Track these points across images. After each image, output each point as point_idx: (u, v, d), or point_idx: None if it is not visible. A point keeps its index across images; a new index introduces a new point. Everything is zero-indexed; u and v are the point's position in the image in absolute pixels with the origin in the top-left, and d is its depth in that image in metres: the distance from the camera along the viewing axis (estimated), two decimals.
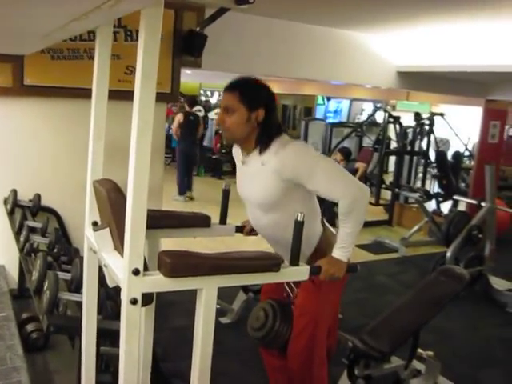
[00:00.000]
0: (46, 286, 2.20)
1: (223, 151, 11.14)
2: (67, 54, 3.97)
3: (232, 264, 1.62)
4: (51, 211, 3.94)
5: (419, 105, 11.55)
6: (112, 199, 1.60)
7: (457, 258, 5.25)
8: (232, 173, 11.02)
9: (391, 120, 7.96)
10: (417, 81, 6.00)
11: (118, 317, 2.23)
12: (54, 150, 4.08)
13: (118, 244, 1.62)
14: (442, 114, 8.23)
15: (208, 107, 12.16)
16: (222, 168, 11.06)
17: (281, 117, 13.80)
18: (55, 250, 2.99)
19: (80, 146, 4.10)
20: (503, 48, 4.81)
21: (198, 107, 10.06)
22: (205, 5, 3.86)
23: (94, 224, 1.94)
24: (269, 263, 1.69)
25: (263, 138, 2.09)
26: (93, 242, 1.89)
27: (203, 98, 13.63)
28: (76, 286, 2.39)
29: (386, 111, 7.90)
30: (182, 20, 4.29)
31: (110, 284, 1.73)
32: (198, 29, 4.19)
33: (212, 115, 11.21)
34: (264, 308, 2.28)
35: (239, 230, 2.44)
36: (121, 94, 4.22)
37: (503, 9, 3.87)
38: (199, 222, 2.21)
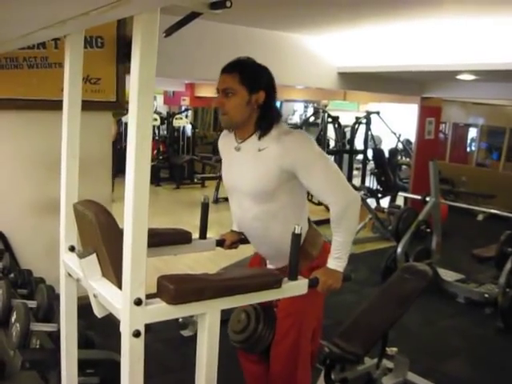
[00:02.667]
0: (14, 317, 2.01)
1: (160, 157, 10.90)
2: (4, 64, 3.72)
3: (235, 284, 1.53)
4: None
5: (349, 104, 11.84)
6: (102, 223, 1.47)
7: (406, 253, 5.39)
8: (169, 179, 10.83)
9: (330, 120, 8.08)
10: (357, 81, 6.12)
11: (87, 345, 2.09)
12: None
13: (110, 271, 1.50)
14: (377, 113, 8.46)
15: None
16: (160, 175, 10.82)
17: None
18: (12, 275, 2.76)
19: (24, 162, 3.90)
20: (437, 47, 4.98)
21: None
22: (174, 9, 3.73)
23: (72, 249, 1.79)
24: (270, 280, 1.61)
25: (263, 123, 2.01)
26: (72, 268, 1.75)
27: None
28: (44, 314, 2.21)
29: (325, 112, 8.01)
30: (126, 25, 4.12)
31: (99, 314, 1.60)
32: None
33: None
34: (246, 310, 2.19)
35: (219, 244, 2.34)
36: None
37: (436, 10, 4.00)
38: (180, 238, 2.09)
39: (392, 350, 3.42)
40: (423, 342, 4.10)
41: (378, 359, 3.24)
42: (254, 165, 2.02)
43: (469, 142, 11.01)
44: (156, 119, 10.41)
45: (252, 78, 1.98)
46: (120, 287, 1.48)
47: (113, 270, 1.48)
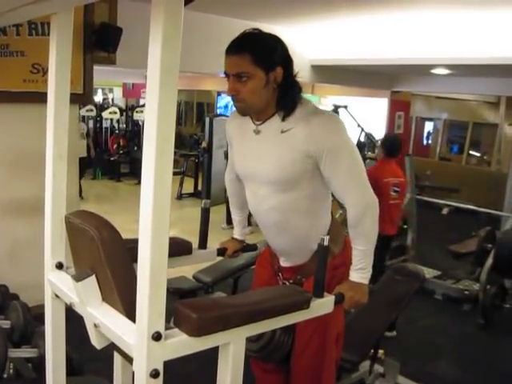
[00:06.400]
0: None
1: (120, 152, 10.51)
2: None
3: (263, 309, 1.32)
4: None
5: (310, 97, 11.76)
6: (105, 240, 1.23)
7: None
8: (129, 174, 10.45)
9: None
10: (329, 74, 6.03)
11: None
12: None
13: (114, 296, 1.26)
14: (345, 107, 8.35)
15: (105, 106, 11.39)
16: (120, 170, 10.45)
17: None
18: None
19: None
20: (412, 41, 4.91)
21: (89, 107, 9.44)
22: None
23: (59, 266, 1.54)
24: (299, 300, 1.41)
25: (286, 102, 1.75)
26: (60, 289, 1.50)
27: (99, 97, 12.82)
28: (20, 336, 1.94)
29: None
30: (93, 12, 3.82)
31: (99, 345, 1.36)
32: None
33: (106, 114, 10.50)
34: None
35: (220, 253, 2.11)
36: (27, 96, 3.74)
37: (411, 3, 3.93)
38: (180, 249, 1.85)
39: (379, 353, 3.31)
40: (407, 342, 4.01)
41: (370, 364, 3.13)
42: (276, 149, 1.77)
43: (426, 135, 11.13)
44: (115, 112, 10.00)
45: (267, 55, 1.69)
46: (127, 315, 1.25)
47: (118, 295, 1.25)
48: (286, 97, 1.75)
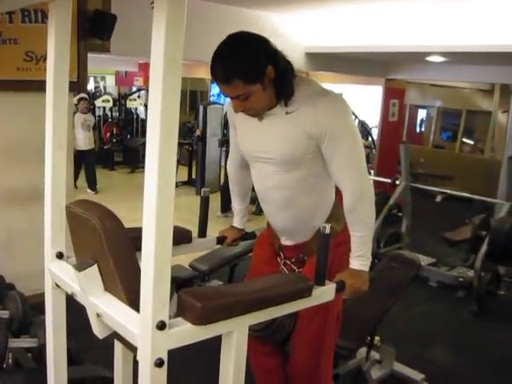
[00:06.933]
0: None
1: (114, 141, 10.45)
2: None
3: (266, 297, 1.32)
4: None
5: None
6: (108, 229, 1.22)
7: (377, 238, 5.32)
8: (123, 163, 10.40)
9: None
10: (323, 62, 5.99)
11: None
12: None
13: (116, 285, 1.26)
14: (340, 94, 8.32)
15: (98, 94, 11.30)
16: (114, 158, 10.40)
17: None
18: None
19: None
20: (407, 28, 4.89)
21: (82, 95, 9.33)
22: None
23: (59, 256, 1.53)
24: (301, 288, 1.41)
25: (284, 88, 1.75)
26: (61, 279, 1.49)
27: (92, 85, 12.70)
28: (19, 326, 1.93)
29: None
30: None
31: (101, 335, 1.36)
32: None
33: (99, 103, 10.41)
34: None
35: (220, 241, 2.11)
36: (21, 85, 3.70)
37: None
38: (180, 238, 1.84)
39: (375, 339, 3.33)
40: (403, 328, 4.03)
41: (367, 351, 3.15)
42: (280, 130, 1.80)
43: (419, 122, 11.14)
44: (108, 100, 9.92)
45: (255, 70, 1.69)
46: (130, 304, 1.25)
47: (121, 285, 1.25)
48: (283, 84, 1.75)
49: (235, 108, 1.80)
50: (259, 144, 1.88)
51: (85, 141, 7.93)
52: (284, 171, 1.86)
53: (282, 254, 2.08)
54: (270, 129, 1.83)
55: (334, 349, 2.17)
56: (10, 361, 1.76)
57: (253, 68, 1.68)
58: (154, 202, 1.06)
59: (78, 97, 7.64)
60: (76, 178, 7.82)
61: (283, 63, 1.76)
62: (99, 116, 10.55)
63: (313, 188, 1.90)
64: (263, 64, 1.70)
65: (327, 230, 1.50)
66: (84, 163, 8.00)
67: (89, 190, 8.07)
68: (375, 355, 3.25)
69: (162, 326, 1.11)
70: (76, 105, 7.78)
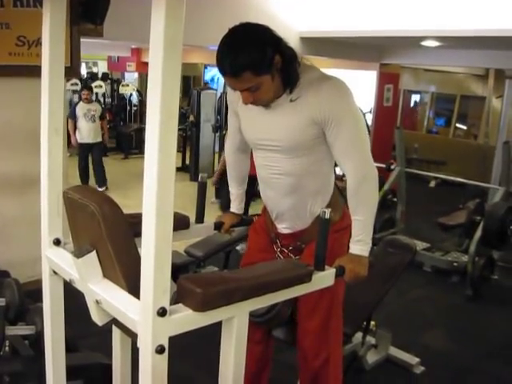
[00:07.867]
0: None
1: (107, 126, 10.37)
2: None
3: (267, 282, 1.32)
4: None
5: None
6: (107, 215, 1.21)
7: None
8: (116, 149, 10.32)
9: None
10: (318, 46, 5.94)
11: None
12: None
13: (115, 272, 1.25)
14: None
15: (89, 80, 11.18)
16: (107, 145, 10.31)
17: None
18: None
19: None
20: (402, 12, 4.86)
21: (73, 80, 9.23)
22: None
23: (57, 242, 1.51)
24: (301, 274, 1.41)
25: (291, 76, 1.75)
26: (58, 265, 1.48)
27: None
28: (15, 314, 1.92)
29: None
30: None
31: (100, 321, 1.35)
32: None
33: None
34: None
35: (217, 227, 2.10)
36: (13, 70, 3.65)
37: None
38: (177, 224, 1.82)
39: (371, 324, 3.35)
40: (398, 313, 4.06)
41: (363, 335, 3.16)
42: (285, 117, 1.81)
43: (412, 105, 11.13)
44: (101, 86, 9.83)
45: (263, 60, 1.67)
46: (130, 291, 1.24)
47: (120, 271, 1.24)
48: (289, 71, 1.75)
49: (244, 100, 1.78)
50: (264, 132, 1.88)
51: (89, 133, 7.21)
52: (290, 158, 1.86)
53: (278, 241, 2.08)
54: (274, 116, 1.83)
55: (341, 341, 2.18)
56: (7, 348, 1.75)
57: (261, 59, 1.67)
58: (154, 187, 1.04)
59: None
60: (86, 176, 7.42)
61: (288, 51, 1.75)
62: None
63: (317, 172, 1.91)
64: (271, 54, 1.69)
65: (327, 215, 1.49)
66: (91, 158, 7.44)
67: (97, 188, 7.71)
68: (371, 340, 3.27)
69: (162, 312, 1.10)
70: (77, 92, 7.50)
